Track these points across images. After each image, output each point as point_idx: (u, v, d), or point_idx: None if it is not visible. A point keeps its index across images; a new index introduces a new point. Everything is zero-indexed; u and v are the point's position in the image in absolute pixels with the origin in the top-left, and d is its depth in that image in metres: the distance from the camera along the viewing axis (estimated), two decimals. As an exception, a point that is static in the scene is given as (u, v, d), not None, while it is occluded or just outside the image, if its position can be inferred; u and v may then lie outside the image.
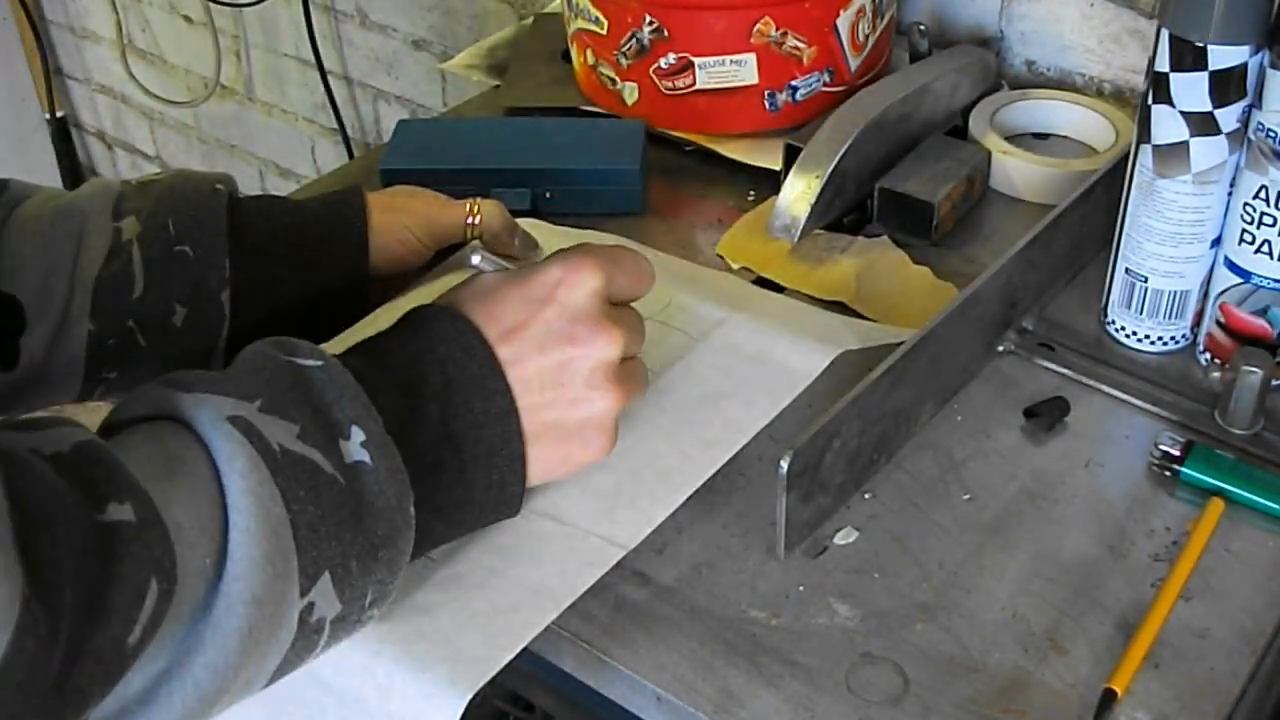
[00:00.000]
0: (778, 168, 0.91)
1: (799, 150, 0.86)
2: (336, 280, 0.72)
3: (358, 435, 0.52)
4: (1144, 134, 0.73)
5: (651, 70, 0.94)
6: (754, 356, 0.69)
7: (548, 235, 0.82)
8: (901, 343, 0.70)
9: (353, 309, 0.72)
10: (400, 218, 0.74)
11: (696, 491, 0.64)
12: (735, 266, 0.86)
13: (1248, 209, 0.72)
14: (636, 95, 0.96)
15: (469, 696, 0.54)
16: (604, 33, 0.95)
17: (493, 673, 0.55)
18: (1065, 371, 0.77)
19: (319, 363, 0.53)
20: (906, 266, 0.84)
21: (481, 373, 0.57)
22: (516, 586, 0.59)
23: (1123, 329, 0.79)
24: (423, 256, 0.75)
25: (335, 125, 1.75)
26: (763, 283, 0.85)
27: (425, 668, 0.55)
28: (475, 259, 0.65)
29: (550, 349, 0.58)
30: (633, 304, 0.69)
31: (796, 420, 0.72)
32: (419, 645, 0.56)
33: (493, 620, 0.58)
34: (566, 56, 1.04)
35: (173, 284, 0.68)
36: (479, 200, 0.76)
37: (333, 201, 0.74)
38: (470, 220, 0.75)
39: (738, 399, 0.67)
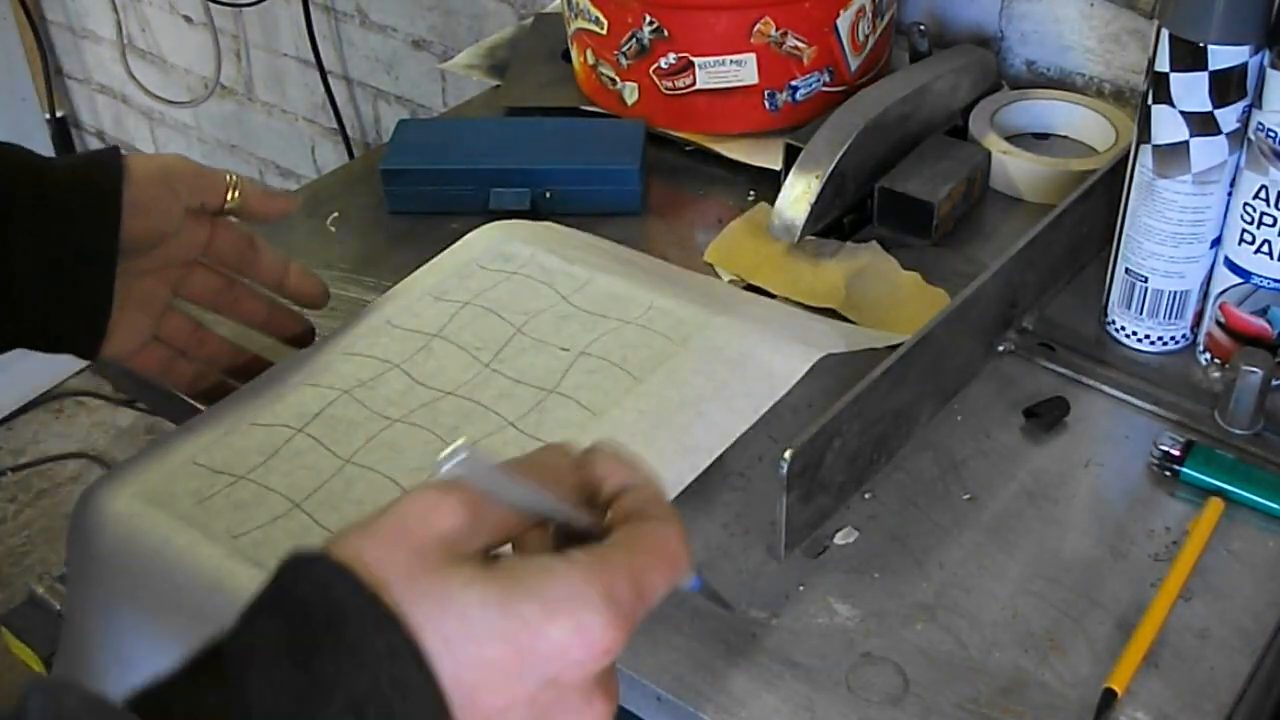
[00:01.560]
0: (778, 168, 0.91)
1: (799, 150, 0.86)
2: (82, 253, 0.65)
3: None
4: (1144, 134, 0.73)
5: (651, 70, 0.94)
6: (735, 360, 0.69)
7: (555, 237, 0.82)
8: (886, 346, 0.70)
9: (99, 279, 0.65)
10: (164, 179, 0.67)
11: (695, 492, 0.64)
12: (725, 277, 0.86)
13: (1248, 209, 0.72)
14: (636, 95, 0.96)
15: None
16: (604, 33, 0.95)
17: None
18: (1065, 371, 0.77)
19: None
20: (896, 272, 0.84)
21: None
22: None
23: (1123, 329, 0.79)
24: (178, 222, 0.68)
25: (335, 125, 1.75)
26: (752, 290, 0.84)
27: None
28: (454, 463, 0.41)
29: None
30: (613, 309, 0.69)
31: (796, 420, 0.72)
32: None
33: None
34: (566, 56, 1.04)
35: None
36: (240, 178, 0.71)
37: (85, 161, 0.66)
38: (229, 192, 0.70)
39: (719, 403, 0.67)
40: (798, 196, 0.84)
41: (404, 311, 0.75)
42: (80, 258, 0.65)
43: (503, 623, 0.39)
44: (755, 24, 0.91)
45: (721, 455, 0.65)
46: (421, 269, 0.79)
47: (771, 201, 0.86)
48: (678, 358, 0.70)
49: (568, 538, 0.45)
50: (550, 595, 0.40)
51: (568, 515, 0.44)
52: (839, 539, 0.67)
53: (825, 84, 0.95)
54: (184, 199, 0.68)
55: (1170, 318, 0.77)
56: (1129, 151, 0.75)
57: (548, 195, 0.91)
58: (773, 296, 0.83)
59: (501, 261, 0.79)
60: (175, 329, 0.73)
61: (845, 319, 0.80)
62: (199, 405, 0.76)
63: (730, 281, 0.85)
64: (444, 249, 0.81)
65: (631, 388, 0.69)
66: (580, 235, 0.84)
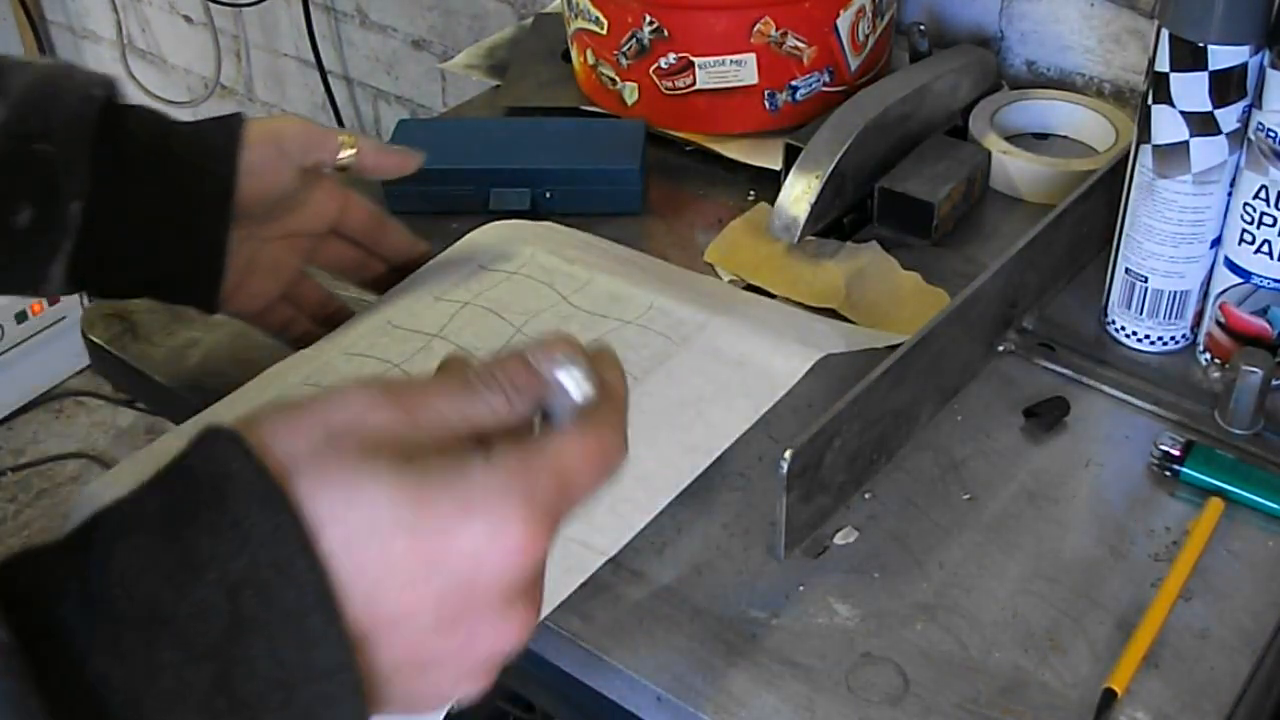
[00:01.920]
0: (778, 168, 0.91)
1: (799, 150, 0.86)
2: (197, 208, 0.68)
3: None
4: (1144, 134, 0.73)
5: (651, 70, 0.94)
6: (736, 361, 0.69)
7: (555, 237, 0.82)
8: (886, 346, 0.70)
9: (213, 237, 0.69)
10: (276, 142, 0.70)
11: (695, 492, 0.64)
12: (725, 277, 0.86)
13: (1248, 209, 0.72)
14: (636, 95, 0.96)
15: (449, 704, 0.54)
16: (604, 33, 0.95)
17: None
18: (1065, 371, 0.77)
19: None
20: (896, 272, 0.84)
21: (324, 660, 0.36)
22: None
23: (1123, 329, 0.79)
24: (292, 183, 0.71)
25: (335, 125, 1.75)
26: (752, 290, 0.84)
27: None
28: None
29: (431, 646, 0.39)
30: (613, 309, 0.69)
31: (797, 420, 0.72)
32: None
33: None
34: (566, 56, 1.04)
35: (24, 181, 0.64)
36: (357, 137, 0.74)
37: (209, 125, 0.70)
38: (343, 152, 0.72)
39: (719, 403, 0.67)
40: (798, 196, 0.84)
41: (404, 312, 0.76)
42: (196, 214, 0.68)
43: (413, 519, 0.37)
44: (755, 24, 0.91)
45: (721, 455, 0.65)
46: (421, 269, 0.79)
47: (771, 201, 0.86)
48: (678, 358, 0.70)
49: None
50: (467, 493, 0.38)
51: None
52: (839, 539, 0.67)
53: (825, 84, 0.95)
54: (295, 159, 0.71)
55: (1170, 318, 0.77)
56: (1129, 151, 0.75)
57: (548, 195, 0.91)
58: (773, 296, 0.83)
59: (502, 262, 0.79)
60: (306, 294, 0.77)
61: (845, 319, 0.80)
62: (199, 404, 0.76)
63: (730, 281, 0.85)
64: (444, 249, 0.81)
65: (631, 387, 0.68)
66: (580, 235, 0.84)
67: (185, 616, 0.34)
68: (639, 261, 0.82)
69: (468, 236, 0.81)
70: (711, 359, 0.70)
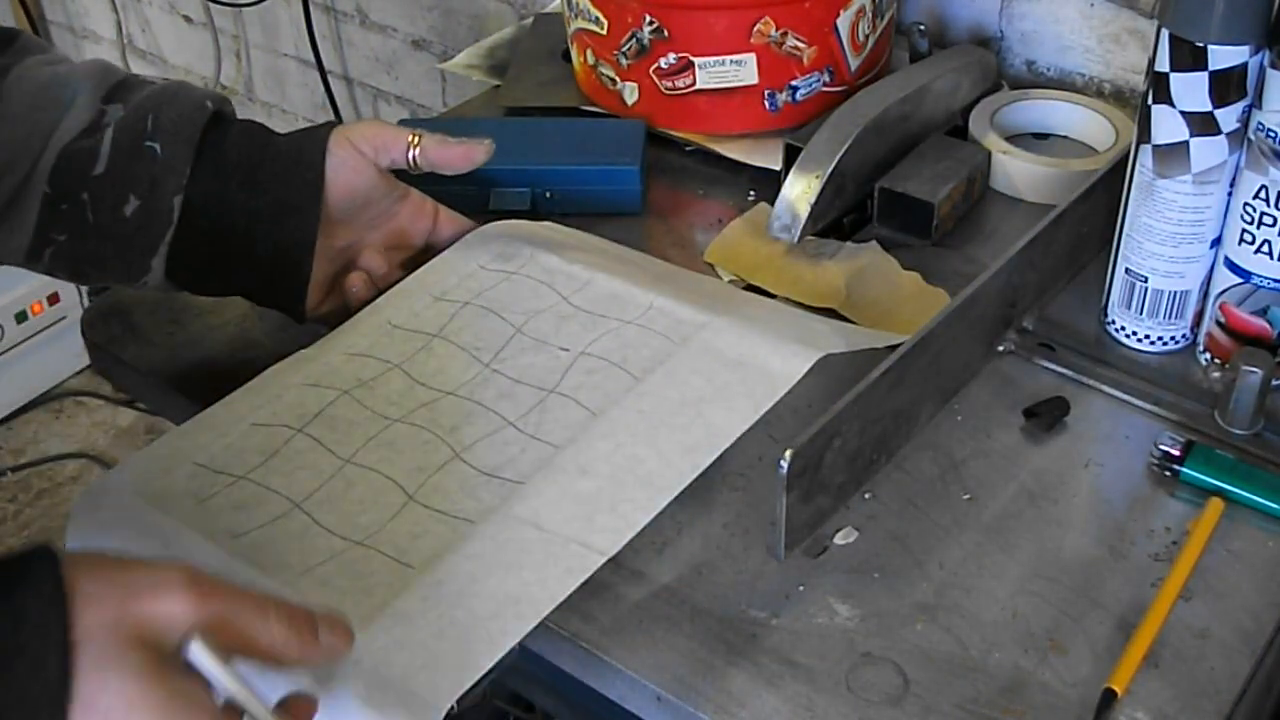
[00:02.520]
0: (778, 168, 0.91)
1: (799, 150, 0.86)
2: (287, 209, 0.72)
3: None
4: (1144, 134, 0.73)
5: (651, 70, 0.94)
6: (736, 361, 0.69)
7: (554, 237, 0.82)
8: (886, 346, 0.70)
9: (302, 237, 0.73)
10: (352, 143, 0.74)
11: (695, 492, 0.64)
12: (725, 277, 0.86)
13: (1248, 209, 0.72)
14: (636, 95, 0.96)
15: (447, 707, 0.54)
16: (604, 33, 0.95)
17: (470, 683, 0.55)
18: (1065, 371, 0.77)
19: None
20: (896, 272, 0.84)
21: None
22: (496, 594, 0.59)
23: (1123, 329, 0.79)
24: (376, 185, 0.75)
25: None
26: (752, 290, 0.84)
27: (405, 678, 0.55)
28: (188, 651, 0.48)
29: None
30: (613, 309, 0.71)
31: (796, 420, 0.72)
32: (399, 655, 0.56)
33: (472, 629, 0.57)
34: (566, 56, 1.04)
35: (133, 174, 0.70)
36: (423, 133, 0.77)
37: (301, 136, 0.74)
38: (412, 152, 0.76)
39: (719, 403, 0.67)
40: (798, 196, 0.84)
41: (404, 312, 0.76)
42: (286, 217, 0.72)
43: (120, 715, 0.44)
44: (755, 24, 0.91)
45: (721, 455, 0.65)
46: (422, 269, 0.79)
47: (771, 201, 0.86)
48: (677, 358, 0.70)
49: None
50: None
51: None
52: (839, 539, 0.67)
53: (825, 84, 0.95)
54: (371, 158, 0.75)
55: (1170, 318, 0.77)
56: (1129, 151, 0.75)
57: (548, 195, 0.91)
58: (773, 296, 0.83)
59: (501, 262, 0.79)
60: (353, 284, 0.78)
61: (845, 319, 0.80)
62: (197, 404, 0.76)
63: (730, 282, 0.85)
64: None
65: (631, 387, 0.69)
66: (580, 235, 0.84)
67: None
68: (639, 261, 0.82)
69: (466, 236, 0.81)
70: (711, 359, 0.69)
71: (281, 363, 0.73)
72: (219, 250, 0.73)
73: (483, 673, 0.56)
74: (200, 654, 0.47)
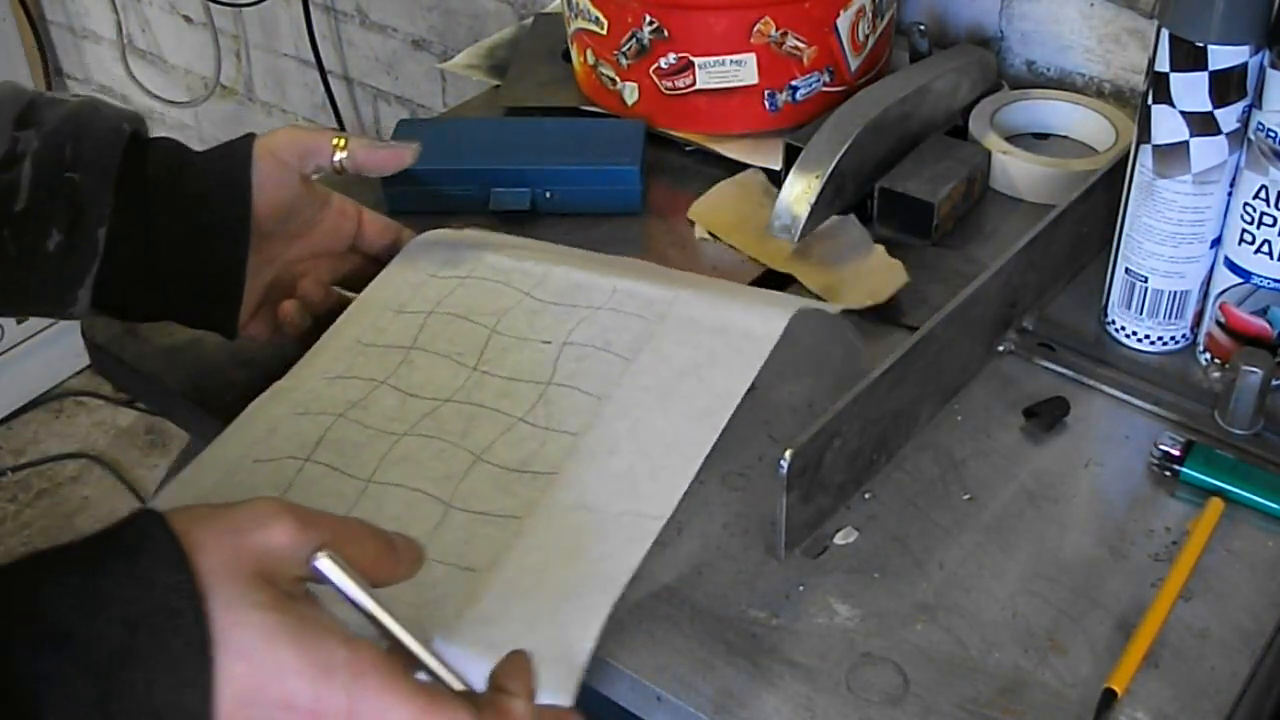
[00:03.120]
0: (778, 168, 0.91)
1: (799, 150, 0.86)
2: (216, 230, 0.71)
3: None
4: (1144, 134, 0.73)
5: (651, 70, 0.94)
6: (716, 328, 0.70)
7: (492, 239, 0.81)
8: (843, 311, 0.73)
9: (233, 256, 0.71)
10: (273, 154, 0.72)
11: (695, 492, 0.64)
12: (700, 234, 0.89)
13: (1248, 209, 0.72)
14: (636, 95, 0.96)
15: (573, 696, 0.54)
16: (604, 33, 0.95)
17: (582, 666, 0.55)
18: (1065, 371, 0.77)
19: None
20: (864, 242, 0.86)
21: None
22: (570, 579, 0.59)
23: (1123, 329, 0.79)
24: (301, 194, 0.73)
25: (335, 125, 1.75)
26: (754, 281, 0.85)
27: None
28: (317, 563, 0.48)
29: None
30: (579, 297, 0.72)
31: (796, 420, 0.72)
32: (495, 658, 0.54)
33: (562, 616, 0.57)
34: (566, 56, 1.04)
35: (54, 209, 0.68)
36: (348, 136, 0.75)
37: (222, 152, 0.72)
38: (337, 154, 0.74)
39: (716, 368, 0.68)
40: (798, 196, 0.84)
41: (370, 329, 0.74)
42: (215, 237, 0.70)
43: (260, 655, 0.44)
44: (755, 24, 0.91)
45: (720, 455, 0.65)
46: (371, 285, 0.77)
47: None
48: (660, 334, 0.71)
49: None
50: (310, 653, 0.44)
51: (415, 652, 0.48)
52: (839, 539, 0.67)
53: (825, 84, 0.95)
54: (295, 166, 0.73)
55: (1170, 318, 0.77)
56: (1129, 151, 0.75)
57: (548, 195, 0.91)
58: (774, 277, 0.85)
59: (450, 268, 0.77)
60: (310, 294, 0.77)
61: (804, 286, 0.83)
62: (197, 404, 0.76)
63: (701, 240, 0.89)
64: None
65: (625, 368, 0.69)
66: (514, 237, 0.82)
67: (85, 639, 0.41)
68: (581, 253, 0.81)
69: (405, 249, 0.79)
70: (692, 330, 0.71)
71: (260, 398, 0.71)
72: (147, 277, 0.71)
73: (589, 654, 0.56)
74: (330, 567, 0.47)
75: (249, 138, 0.72)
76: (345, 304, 0.77)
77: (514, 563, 0.60)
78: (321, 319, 0.76)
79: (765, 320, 0.70)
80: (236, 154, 0.71)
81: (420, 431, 0.68)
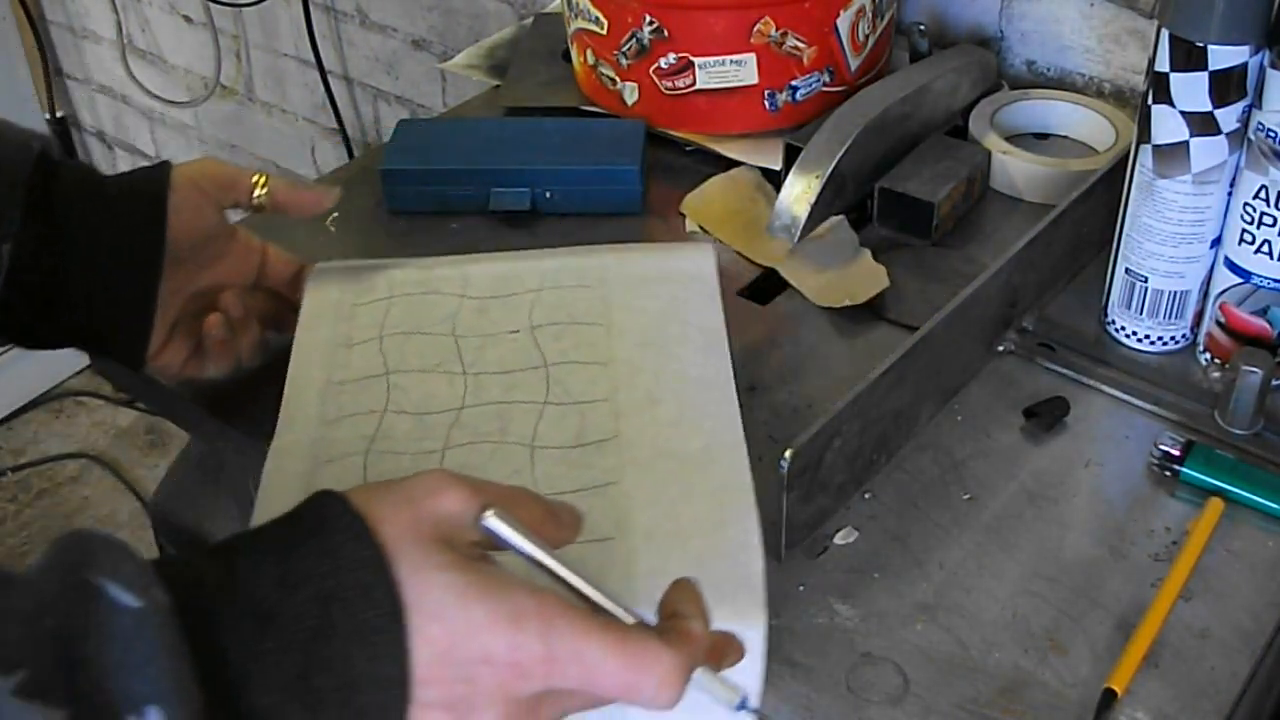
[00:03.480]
0: (778, 168, 0.91)
1: (799, 150, 0.86)
2: (128, 251, 0.69)
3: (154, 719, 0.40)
4: (1144, 134, 0.73)
5: (651, 70, 0.94)
6: (660, 277, 0.74)
7: (384, 261, 0.79)
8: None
9: (145, 281, 0.69)
10: (195, 183, 0.71)
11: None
12: (690, 227, 0.91)
13: (1248, 209, 0.72)
14: (636, 95, 0.96)
15: (764, 621, 0.54)
16: (604, 33, 0.95)
17: (762, 589, 0.56)
18: (1065, 371, 0.77)
19: (135, 604, 0.41)
20: (851, 245, 0.86)
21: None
22: (703, 514, 0.60)
23: (1123, 329, 0.79)
24: (216, 224, 0.72)
25: (335, 125, 1.75)
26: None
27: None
28: (487, 521, 0.48)
29: None
30: (514, 285, 0.74)
31: (797, 420, 0.72)
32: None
33: (718, 549, 0.58)
34: (566, 56, 1.04)
35: None
36: (269, 175, 0.74)
37: (137, 177, 0.70)
38: (257, 191, 0.73)
39: (686, 307, 0.71)
40: (798, 196, 0.84)
41: (335, 367, 0.72)
42: (127, 261, 0.68)
43: (454, 613, 0.44)
44: (755, 24, 0.91)
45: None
46: (298, 331, 0.74)
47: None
48: (615, 296, 0.73)
49: None
50: (500, 606, 0.45)
51: (588, 594, 0.48)
52: (839, 539, 0.67)
53: (825, 84, 0.95)
54: (214, 198, 0.72)
55: (1170, 318, 0.77)
56: (1129, 151, 0.75)
57: (548, 195, 0.91)
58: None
59: (369, 294, 0.76)
60: (212, 326, 0.74)
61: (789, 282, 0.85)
62: (197, 404, 0.75)
63: (691, 232, 0.90)
64: (444, 249, 0.80)
65: (608, 332, 0.71)
66: (398, 259, 0.81)
67: (285, 616, 0.43)
68: (478, 255, 0.80)
69: (311, 287, 0.77)
70: (641, 283, 0.74)
71: (269, 465, 0.66)
72: (52, 299, 0.68)
73: (762, 574, 0.57)
74: (498, 523, 0.47)
75: (165, 164, 0.71)
76: (265, 339, 0.75)
77: (640, 521, 0.60)
78: (258, 362, 0.75)
79: (694, 260, 0.76)
80: (153, 178, 0.70)
81: (458, 442, 0.67)
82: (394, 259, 0.80)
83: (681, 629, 0.48)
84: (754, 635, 0.54)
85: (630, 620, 0.48)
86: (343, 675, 0.43)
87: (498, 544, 0.48)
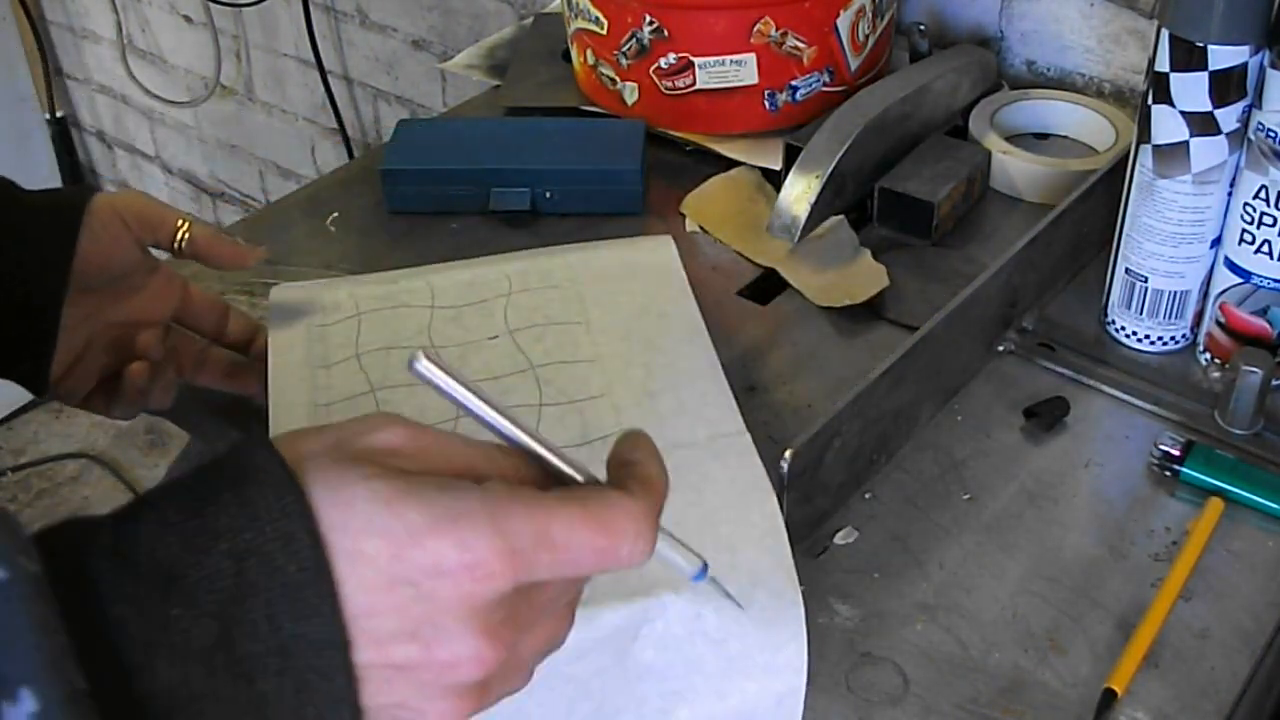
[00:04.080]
0: (778, 168, 0.91)
1: (799, 150, 0.86)
2: (33, 268, 0.65)
3: (28, 704, 0.35)
4: (1144, 134, 0.73)
5: (651, 70, 0.94)
6: (626, 272, 0.75)
7: (341, 280, 0.79)
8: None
9: (49, 301, 0.66)
10: (118, 213, 0.68)
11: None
12: (690, 227, 0.91)
13: (1248, 209, 0.72)
14: (636, 95, 0.96)
15: (802, 608, 0.56)
16: (604, 33, 0.95)
17: (790, 569, 0.57)
18: (1065, 371, 0.77)
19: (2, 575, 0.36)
20: (851, 245, 0.86)
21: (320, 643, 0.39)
22: (719, 501, 0.61)
23: (1123, 329, 0.79)
24: (134, 258, 0.69)
25: (335, 125, 1.75)
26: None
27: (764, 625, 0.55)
28: (419, 365, 0.42)
29: (394, 652, 0.40)
30: (482, 292, 0.72)
31: (797, 420, 0.72)
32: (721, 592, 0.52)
33: (745, 533, 0.59)
34: (566, 56, 1.04)
35: None
36: (192, 221, 0.71)
37: (55, 196, 0.68)
38: (179, 234, 0.70)
39: (658, 299, 0.72)
40: (798, 196, 0.84)
41: (320, 389, 0.72)
42: (31, 279, 0.65)
43: (386, 523, 0.39)
44: (755, 24, 0.91)
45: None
46: (270, 360, 0.73)
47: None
48: (589, 294, 0.74)
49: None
50: (441, 508, 0.39)
51: (526, 445, 0.43)
52: (839, 539, 0.67)
53: (825, 84, 0.95)
54: (136, 233, 0.68)
55: (1170, 318, 0.77)
56: (1129, 151, 0.75)
57: (548, 195, 0.91)
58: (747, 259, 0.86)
59: (332, 314, 0.76)
60: (136, 374, 0.71)
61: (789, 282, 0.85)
62: (197, 404, 0.75)
63: (692, 232, 0.90)
64: (444, 249, 0.80)
65: (587, 330, 0.72)
66: (354, 276, 0.81)
67: (196, 578, 0.38)
68: (434, 265, 0.81)
69: (273, 311, 0.76)
70: (609, 280, 0.75)
71: None
72: None
73: (789, 555, 0.58)
74: (430, 367, 0.41)
75: (88, 188, 0.68)
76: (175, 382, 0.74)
77: (664, 511, 0.60)
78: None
79: (655, 251, 0.78)
80: (71, 200, 0.67)
81: None
82: (351, 275, 0.80)
83: (639, 474, 0.44)
84: (795, 614, 0.55)
85: (579, 477, 0.43)
86: (269, 640, 0.38)
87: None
